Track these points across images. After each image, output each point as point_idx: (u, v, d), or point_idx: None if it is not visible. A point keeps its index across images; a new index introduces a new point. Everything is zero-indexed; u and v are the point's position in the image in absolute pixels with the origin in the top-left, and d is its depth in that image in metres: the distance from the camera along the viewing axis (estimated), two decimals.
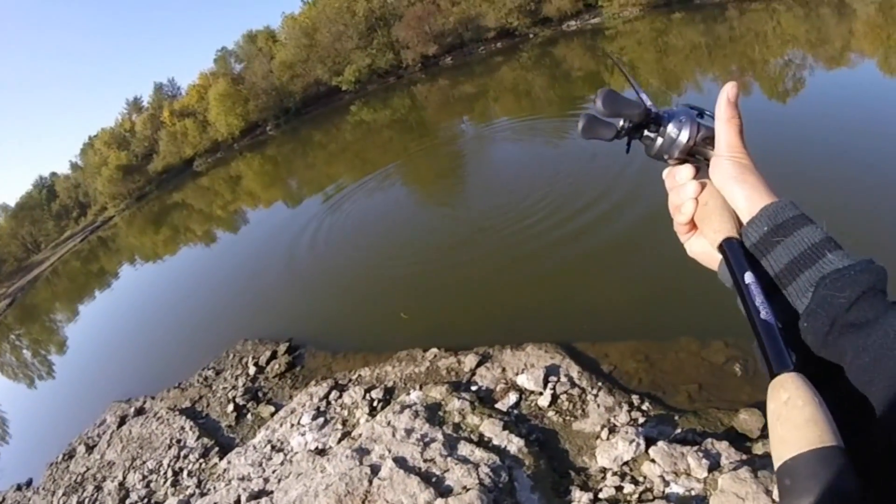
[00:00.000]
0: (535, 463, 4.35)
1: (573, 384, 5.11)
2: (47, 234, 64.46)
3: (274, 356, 8.22)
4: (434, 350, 6.53)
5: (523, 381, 5.29)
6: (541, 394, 5.09)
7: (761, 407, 4.46)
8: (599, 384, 5.06)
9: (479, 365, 5.87)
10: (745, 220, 0.70)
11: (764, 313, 0.59)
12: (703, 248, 0.78)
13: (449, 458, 4.43)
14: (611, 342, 5.70)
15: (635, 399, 4.82)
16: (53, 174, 73.97)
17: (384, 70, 43.52)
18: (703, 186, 0.76)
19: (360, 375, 6.70)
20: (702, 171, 0.79)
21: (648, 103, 0.82)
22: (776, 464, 0.48)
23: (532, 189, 10.47)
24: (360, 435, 5.23)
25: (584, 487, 4.08)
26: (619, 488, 3.97)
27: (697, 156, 0.80)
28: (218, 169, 43.35)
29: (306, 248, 12.57)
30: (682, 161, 0.81)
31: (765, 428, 4.29)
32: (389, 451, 4.75)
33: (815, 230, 0.63)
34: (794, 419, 0.48)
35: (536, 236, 8.52)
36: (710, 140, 0.77)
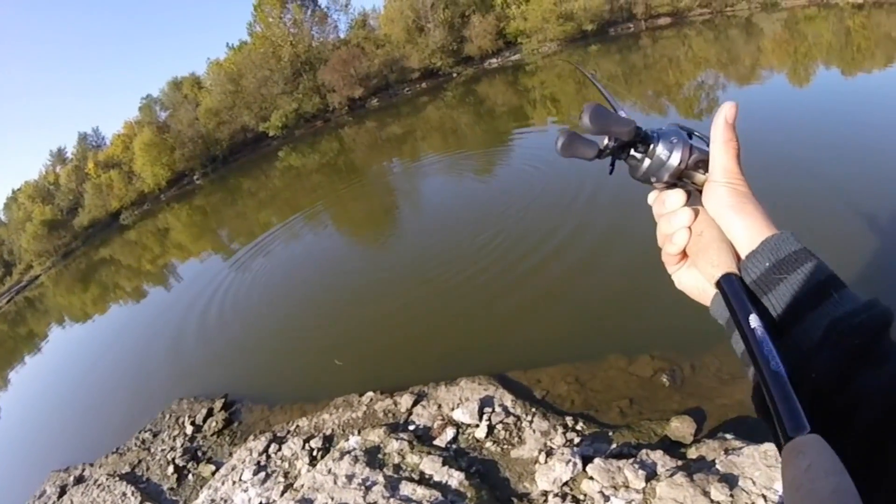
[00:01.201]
0: (477, 494, 4.36)
1: (508, 413, 5.19)
2: None
3: (210, 413, 7.93)
4: (370, 394, 6.48)
5: (459, 415, 5.33)
6: (477, 426, 5.13)
7: (691, 413, 4.67)
8: (533, 410, 5.16)
9: (415, 404, 5.87)
10: (743, 252, 0.65)
11: (774, 364, 0.54)
12: (696, 282, 0.73)
13: (391, 500, 4.39)
14: (542, 368, 5.84)
15: (569, 420, 4.94)
16: None
17: (311, 114, 43.46)
18: (697, 214, 0.70)
19: (298, 426, 6.55)
20: (692, 197, 0.73)
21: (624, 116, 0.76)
22: None
23: (458, 226, 10.71)
24: (303, 485, 5.11)
25: None
26: None
27: (686, 180, 0.73)
28: (145, 221, 41.77)
29: (234, 300, 12.29)
30: (669, 185, 0.74)
31: (698, 432, 4.51)
32: (332, 499, 4.65)
33: (819, 266, 0.59)
34: (818, 492, 0.43)
35: (462, 274, 8.69)
36: (701, 164, 0.71)
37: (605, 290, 7.12)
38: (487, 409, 5.28)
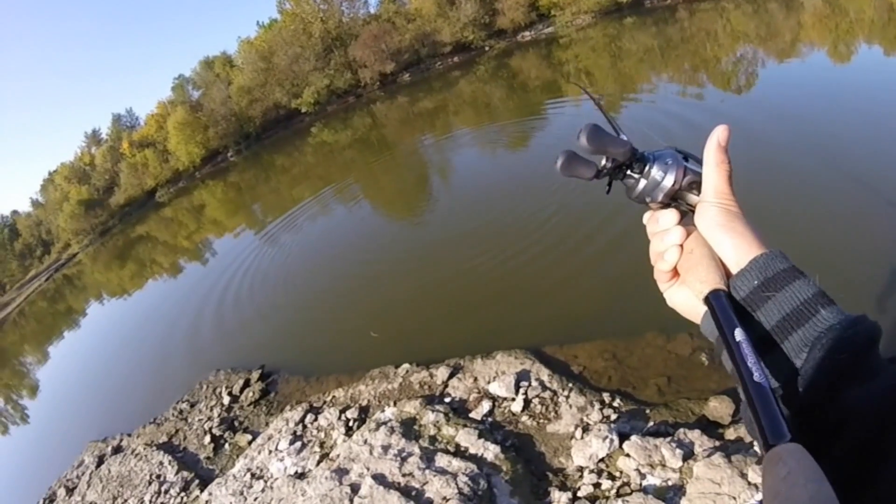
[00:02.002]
0: (513, 468, 4.38)
1: (544, 387, 5.17)
2: (11, 274, 62.21)
3: (247, 384, 8.10)
4: (406, 366, 6.53)
5: (495, 388, 5.33)
6: (513, 400, 5.14)
7: (730, 394, 4.59)
8: (570, 385, 5.13)
9: (451, 377, 5.91)
10: (733, 270, 0.66)
11: (757, 375, 0.55)
12: (686, 300, 0.74)
13: (427, 471, 4.43)
14: (579, 344, 5.78)
15: (606, 397, 4.90)
16: (14, 212, 71.69)
17: (343, 90, 43.48)
18: (689, 233, 0.72)
19: (334, 397, 6.65)
20: (686, 218, 0.75)
21: (625, 139, 0.78)
22: None
23: (493, 198, 10.62)
24: (338, 455, 5.20)
25: (563, 487, 4.12)
26: (596, 485, 4.02)
27: (681, 201, 0.76)
28: (181, 199, 42.58)
29: (270, 274, 12.49)
30: (664, 205, 0.76)
31: (735, 413, 4.43)
32: (368, 469, 4.72)
33: (807, 284, 0.60)
34: (796, 498, 0.43)
35: (500, 245, 8.60)
36: (695, 185, 0.73)
37: (643, 265, 6.97)
38: (524, 383, 5.28)
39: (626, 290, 6.43)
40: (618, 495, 3.85)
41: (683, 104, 12.56)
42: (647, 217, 0.79)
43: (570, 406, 4.87)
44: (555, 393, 5.08)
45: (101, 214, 54.07)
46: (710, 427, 4.38)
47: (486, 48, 38.85)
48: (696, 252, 0.70)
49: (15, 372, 22.72)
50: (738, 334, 0.59)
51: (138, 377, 11.30)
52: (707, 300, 0.66)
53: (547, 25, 37.65)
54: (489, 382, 5.53)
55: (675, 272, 0.75)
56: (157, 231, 34.43)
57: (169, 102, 56.10)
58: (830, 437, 0.53)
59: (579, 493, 3.99)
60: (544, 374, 5.36)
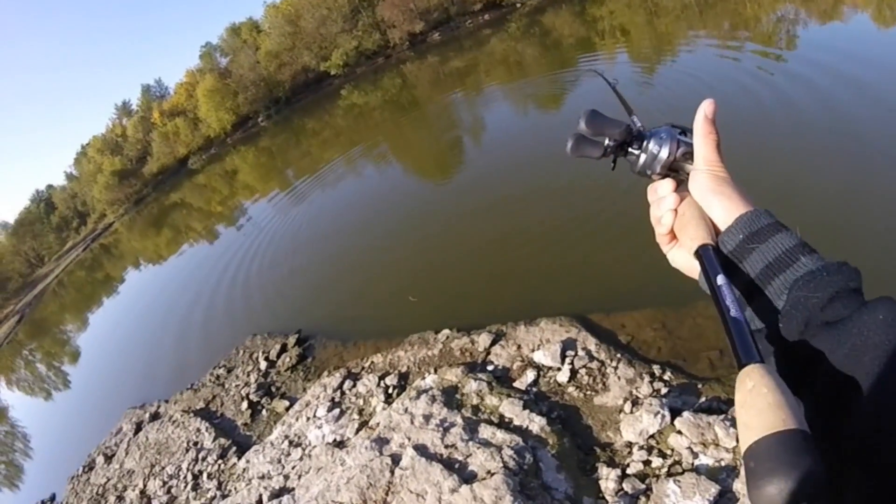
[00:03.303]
0: (559, 441, 4.24)
1: (591, 357, 4.98)
2: (49, 247, 64.59)
3: (284, 349, 8.14)
4: (446, 331, 6.40)
5: (540, 357, 5.17)
6: (559, 369, 4.97)
7: None
8: (618, 356, 4.92)
9: (493, 344, 5.75)
10: (722, 229, 0.72)
11: (733, 311, 0.60)
12: (685, 260, 0.79)
13: (470, 443, 4.32)
14: (626, 312, 5.55)
15: (656, 369, 4.69)
16: (50, 187, 73.99)
17: (372, 51, 42.89)
18: (683, 199, 0.79)
19: (372, 363, 6.59)
20: (682, 186, 0.81)
21: (636, 120, 0.87)
22: (742, 448, 0.48)
23: (531, 160, 10.30)
24: (378, 424, 5.14)
25: (611, 463, 3.98)
26: (646, 462, 3.87)
27: (679, 171, 0.83)
28: (213, 165, 43.09)
29: (304, 237, 12.53)
30: (664, 176, 0.84)
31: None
32: (409, 440, 4.65)
33: (789, 236, 0.65)
34: (757, 405, 0.49)
35: (539, 207, 8.34)
36: (690, 155, 0.80)
37: None
38: (570, 353, 5.09)
39: None
40: (669, 474, 3.69)
41: (721, 64, 11.89)
42: (649, 187, 0.86)
43: (619, 378, 4.68)
44: (602, 363, 4.89)
45: (135, 184, 55.34)
46: None
47: (518, 5, 37.57)
48: (688, 214, 0.76)
49: (56, 340, 23.65)
50: (720, 279, 0.64)
51: (175, 342, 11.52)
52: (696, 254, 0.72)
53: None
54: (533, 351, 5.36)
55: (674, 235, 0.81)
56: (190, 198, 34.96)
57: (198, 70, 56.51)
58: (809, 368, 0.57)
59: (628, 471, 3.84)
60: (591, 343, 5.16)
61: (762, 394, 0.49)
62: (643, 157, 0.83)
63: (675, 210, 0.79)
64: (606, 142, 0.83)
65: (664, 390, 4.44)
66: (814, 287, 0.58)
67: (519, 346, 5.57)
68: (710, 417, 3.94)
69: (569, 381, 4.83)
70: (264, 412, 7.09)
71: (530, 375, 5.03)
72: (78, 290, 32.50)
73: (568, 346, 5.19)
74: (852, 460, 0.50)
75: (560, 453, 4.14)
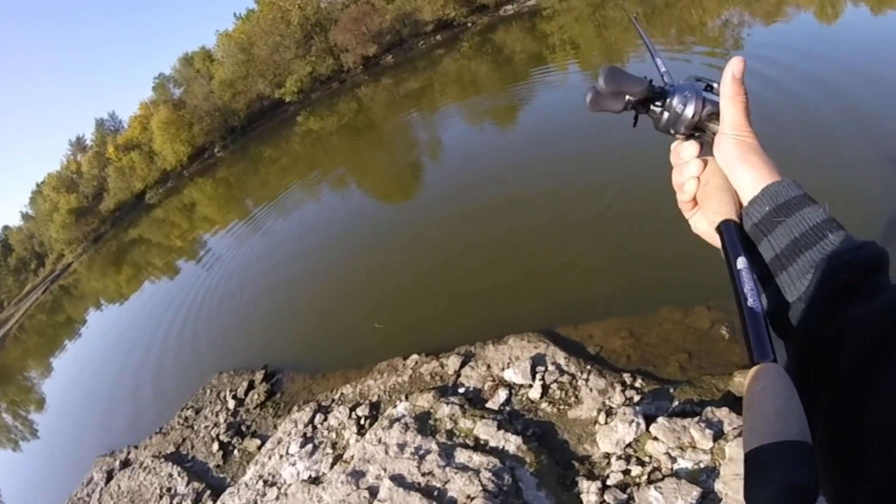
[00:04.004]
0: (537, 459, 4.20)
1: (562, 371, 4.97)
2: (8, 290, 62.16)
3: (251, 386, 7.93)
4: (415, 356, 6.32)
5: (511, 375, 5.14)
6: (530, 386, 4.94)
7: None
8: (588, 367, 4.93)
9: (462, 365, 5.70)
10: (746, 200, 0.68)
11: (751, 301, 0.58)
12: (706, 229, 0.76)
13: (447, 468, 4.25)
14: (593, 322, 5.59)
15: (627, 377, 4.71)
16: (6, 227, 71.58)
17: (326, 76, 42.84)
18: (706, 164, 0.75)
19: (342, 394, 6.45)
20: (706, 148, 0.77)
21: (663, 69, 0.83)
22: (744, 450, 0.48)
23: (487, 174, 10.40)
24: (352, 457, 5.02)
25: (591, 476, 3.96)
26: (626, 472, 3.87)
27: (703, 131, 0.78)
28: (171, 199, 42.25)
29: (266, 269, 12.34)
30: (688, 136, 0.79)
31: None
32: (385, 470, 4.55)
33: (818, 210, 0.62)
34: (764, 410, 0.48)
35: (500, 223, 8.40)
36: (717, 115, 0.74)
37: (654, 238, 6.75)
38: (540, 368, 5.07)
39: (638, 265, 6.24)
40: (649, 481, 3.69)
41: (670, 67, 12.28)
42: (672, 147, 0.81)
43: (591, 389, 4.67)
44: (573, 376, 4.88)
45: (92, 221, 53.78)
46: (738, 403, 4.19)
47: (469, 24, 38.16)
48: (712, 183, 0.73)
49: (20, 388, 22.69)
50: (740, 263, 0.62)
51: (141, 385, 11.16)
52: (718, 229, 0.69)
53: None
54: (504, 369, 5.32)
55: (696, 201, 0.77)
56: (149, 233, 34.23)
57: (151, 102, 55.61)
58: (831, 350, 0.54)
59: (608, 482, 3.82)
60: (560, 356, 5.16)
61: (770, 399, 0.49)
62: (666, 115, 0.77)
63: (699, 177, 0.76)
64: (627, 97, 0.77)
65: (637, 398, 4.45)
66: (841, 267, 0.57)
67: (489, 366, 5.53)
68: (684, 421, 3.97)
69: (541, 397, 4.80)
70: (236, 452, 6.87)
71: (502, 394, 4.99)
72: (40, 335, 31.31)
73: (538, 361, 5.17)
74: (871, 457, 0.47)
75: (539, 471, 4.10)
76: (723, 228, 0.68)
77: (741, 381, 4.32)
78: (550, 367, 5.05)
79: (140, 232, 37.29)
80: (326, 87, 42.71)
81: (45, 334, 30.16)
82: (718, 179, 0.72)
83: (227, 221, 21.16)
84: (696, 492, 3.42)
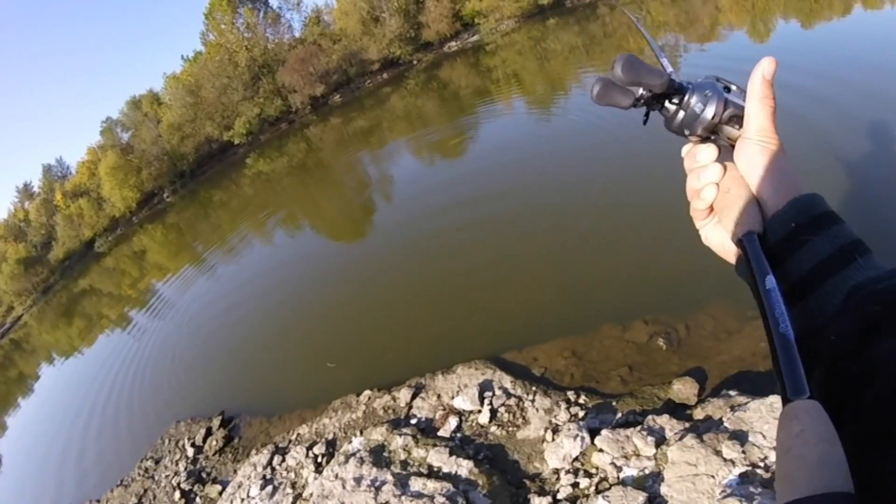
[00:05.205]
0: (489, 480, 4.31)
1: (508, 395, 5.13)
2: None
3: (209, 432, 7.80)
4: (367, 392, 6.39)
5: (460, 402, 5.26)
6: (479, 412, 5.08)
7: (692, 374, 4.66)
8: (534, 389, 5.11)
9: (414, 397, 5.80)
10: (769, 211, 0.64)
11: (783, 326, 0.53)
12: (721, 240, 0.71)
13: (403, 497, 4.32)
14: (536, 345, 5.80)
15: (571, 395, 4.89)
16: None
17: (274, 117, 42.78)
18: (726, 170, 0.70)
19: (299, 434, 6.43)
20: (724, 153, 0.71)
21: (670, 70, 0.76)
22: (778, 501, 0.44)
23: (432, 208, 10.68)
24: (311, 494, 5.03)
25: (542, 492, 4.08)
26: (574, 485, 4.00)
27: (720, 134, 0.72)
28: (121, 246, 41.01)
29: (217, 315, 12.19)
30: (703, 139, 0.73)
31: (701, 392, 4.50)
32: None
33: (845, 230, 0.59)
34: (805, 457, 0.44)
35: (442, 260, 8.67)
36: (736, 119, 0.70)
37: (589, 260, 7.08)
38: (487, 394, 5.23)
39: (576, 287, 6.50)
40: (597, 492, 3.84)
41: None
42: (685, 150, 0.76)
43: (537, 410, 4.84)
44: (520, 399, 5.05)
45: (41, 271, 51.37)
46: (678, 409, 4.43)
47: (415, 62, 39.04)
48: (733, 191, 0.68)
49: None
50: (769, 282, 0.57)
51: (98, 437, 10.79)
52: (740, 243, 0.65)
53: (472, 34, 38.20)
54: (453, 397, 5.45)
55: (711, 209, 0.72)
56: (100, 282, 33.13)
57: (99, 147, 54.05)
58: (858, 388, 0.50)
59: (559, 496, 3.96)
60: (507, 381, 5.33)
61: (811, 444, 0.44)
62: (681, 115, 0.71)
63: (718, 184, 0.70)
64: (641, 91, 0.71)
65: (581, 414, 4.63)
66: (873, 296, 0.52)
67: (439, 395, 5.65)
68: (627, 431, 4.15)
69: (490, 421, 4.94)
70: (198, 500, 6.73)
71: (453, 422, 5.11)
72: None
73: (485, 387, 5.32)
74: None
75: (492, 492, 4.21)
76: (745, 242, 0.64)
77: (680, 388, 4.56)
78: (498, 392, 5.20)
79: (90, 281, 36.01)
80: (275, 129, 42.61)
81: None
82: (741, 188, 0.68)
83: (178, 268, 20.73)
84: (642, 497, 3.57)
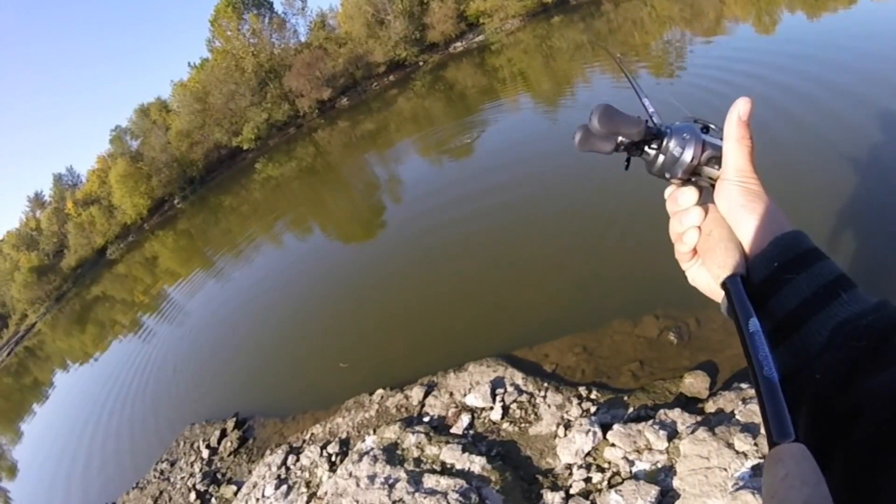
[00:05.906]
0: (501, 477, 4.33)
1: (520, 391, 5.16)
2: None
3: (224, 434, 7.88)
4: (380, 391, 6.43)
5: (472, 400, 5.29)
6: (491, 408, 5.11)
7: (703, 368, 4.66)
8: (545, 385, 5.12)
9: (426, 395, 5.84)
10: (752, 252, 0.64)
11: (766, 369, 0.53)
12: (707, 281, 0.71)
13: (417, 494, 4.35)
14: (547, 342, 5.81)
15: (582, 390, 4.91)
16: None
17: (282, 122, 42.96)
18: (707, 212, 0.70)
19: (312, 434, 6.49)
20: (706, 194, 0.72)
21: (652, 110, 0.78)
22: None
23: (442, 207, 10.70)
24: (326, 493, 5.07)
25: (554, 487, 4.10)
26: (587, 479, 4.02)
27: (700, 176, 0.72)
28: (132, 253, 41.36)
29: (231, 318, 12.26)
30: (685, 181, 0.73)
31: (712, 386, 4.50)
32: (357, 502, 4.61)
33: (828, 266, 0.59)
34: (790, 500, 0.43)
35: (454, 258, 8.69)
36: (716, 159, 0.70)
37: (599, 256, 7.08)
38: (499, 391, 5.25)
39: (586, 283, 6.51)
40: (610, 486, 3.85)
41: (617, 91, 12.87)
42: (667, 192, 0.76)
43: (549, 406, 4.86)
44: (531, 395, 5.07)
45: (54, 279, 51.91)
46: (690, 403, 4.43)
47: (421, 63, 39.11)
48: (715, 234, 0.68)
49: None
50: (752, 325, 0.57)
51: (115, 441, 10.90)
52: (724, 286, 0.64)
53: (477, 34, 38.24)
54: (465, 395, 5.48)
55: (695, 251, 0.73)
56: (112, 289, 33.39)
57: (109, 155, 54.53)
58: (845, 426, 0.50)
59: (572, 491, 3.97)
60: (518, 377, 5.35)
61: (795, 487, 0.43)
62: (661, 159, 0.72)
63: (700, 227, 0.71)
64: (620, 139, 0.72)
65: (593, 409, 4.65)
66: (857, 333, 0.52)
67: (451, 393, 5.68)
68: (639, 425, 4.16)
69: (502, 418, 4.96)
70: (213, 500, 6.80)
71: (465, 419, 5.14)
72: (7, 399, 29.92)
73: (497, 384, 5.35)
74: None
75: (504, 488, 4.23)
76: (729, 285, 0.64)
77: (691, 382, 4.56)
78: (509, 389, 5.23)
79: (103, 288, 36.32)
80: (283, 133, 42.82)
81: (12, 399, 28.93)
82: (722, 230, 0.68)
83: (189, 273, 20.90)
84: (654, 491, 3.58)
